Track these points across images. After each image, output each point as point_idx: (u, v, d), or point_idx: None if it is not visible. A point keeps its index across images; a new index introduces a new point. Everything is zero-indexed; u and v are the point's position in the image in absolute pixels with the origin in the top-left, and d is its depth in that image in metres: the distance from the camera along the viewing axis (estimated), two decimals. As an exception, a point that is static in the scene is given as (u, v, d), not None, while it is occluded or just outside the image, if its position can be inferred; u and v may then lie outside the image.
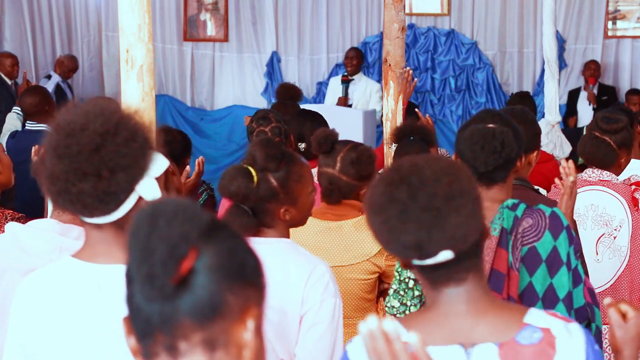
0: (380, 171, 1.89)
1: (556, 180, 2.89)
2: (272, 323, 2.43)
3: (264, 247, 2.46)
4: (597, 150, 3.77)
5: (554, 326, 1.69)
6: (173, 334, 1.27)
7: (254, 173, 2.47)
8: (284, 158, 2.54)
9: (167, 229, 1.24)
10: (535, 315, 1.71)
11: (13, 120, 6.13)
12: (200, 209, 1.28)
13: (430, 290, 1.73)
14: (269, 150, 2.53)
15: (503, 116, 2.63)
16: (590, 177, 3.78)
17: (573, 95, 9.78)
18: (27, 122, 5.68)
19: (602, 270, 3.75)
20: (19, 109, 6.21)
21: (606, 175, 3.77)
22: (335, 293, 2.49)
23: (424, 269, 1.70)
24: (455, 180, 1.66)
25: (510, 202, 2.45)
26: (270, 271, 2.41)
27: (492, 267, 2.37)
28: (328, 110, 7.64)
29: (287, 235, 2.57)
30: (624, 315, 1.86)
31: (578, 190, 3.76)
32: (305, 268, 2.46)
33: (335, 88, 9.04)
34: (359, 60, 9.20)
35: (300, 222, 2.61)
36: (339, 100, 8.75)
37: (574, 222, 2.89)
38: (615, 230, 3.76)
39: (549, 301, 2.38)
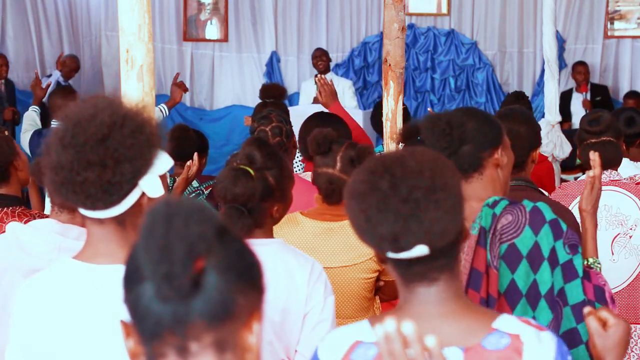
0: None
1: (588, 173, 2.83)
2: (274, 323, 2.43)
3: (263, 248, 2.45)
4: (604, 153, 3.77)
5: (523, 333, 1.66)
6: (185, 334, 1.26)
7: (252, 173, 2.47)
8: (277, 156, 2.55)
9: (185, 228, 1.23)
10: (506, 321, 1.68)
11: (33, 118, 6.14)
12: (211, 210, 1.28)
13: (403, 288, 1.71)
14: (267, 149, 2.53)
15: (471, 109, 2.62)
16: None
17: (565, 98, 9.68)
18: (53, 120, 5.72)
19: (618, 270, 3.74)
20: (36, 107, 6.24)
21: (615, 174, 3.77)
22: (332, 291, 2.52)
23: (398, 265, 1.68)
24: (438, 174, 1.63)
25: (491, 199, 2.43)
26: (275, 272, 2.42)
27: (471, 266, 2.36)
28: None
29: (272, 234, 2.59)
30: (604, 323, 1.82)
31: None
32: (306, 266, 2.48)
33: (307, 91, 9.03)
34: (327, 58, 9.20)
35: (281, 218, 2.63)
36: (313, 101, 8.74)
37: (595, 218, 2.77)
38: (631, 229, 3.75)
39: (532, 298, 2.36)
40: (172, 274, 1.22)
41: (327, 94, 4.97)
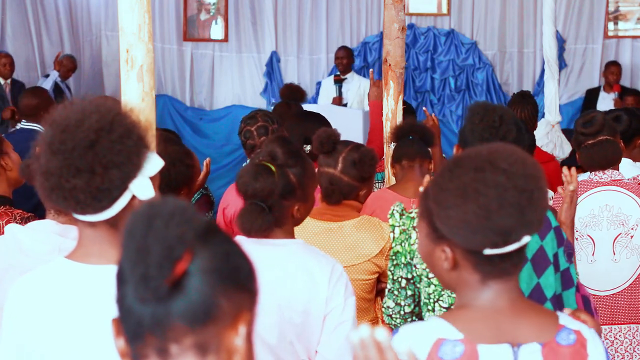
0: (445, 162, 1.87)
1: (559, 188, 2.87)
2: (295, 325, 2.42)
3: (283, 249, 2.46)
4: (605, 152, 3.76)
5: (582, 329, 1.75)
6: (165, 336, 1.25)
7: (274, 169, 2.47)
8: (300, 154, 2.56)
9: (164, 230, 1.22)
10: (567, 318, 1.77)
11: None
12: (196, 212, 1.27)
13: (478, 285, 1.71)
14: (289, 146, 2.54)
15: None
16: (601, 178, 3.77)
17: (591, 95, 9.63)
18: (22, 121, 5.68)
19: (620, 270, 3.75)
20: None
21: (617, 174, 3.77)
22: (353, 291, 2.50)
23: (489, 261, 1.68)
24: (535, 164, 1.70)
25: None
26: (295, 273, 2.42)
27: None
28: (327, 110, 7.60)
29: (293, 235, 2.57)
30: None
31: (592, 192, 3.77)
32: (326, 267, 2.46)
33: (328, 89, 9.00)
34: (349, 59, 9.13)
35: (302, 220, 2.62)
36: (333, 100, 8.71)
37: (573, 231, 2.87)
38: (632, 229, 3.76)
39: (535, 301, 2.38)
40: (148, 276, 1.22)
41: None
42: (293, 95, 5.66)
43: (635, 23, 10.52)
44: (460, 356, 1.69)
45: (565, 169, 2.82)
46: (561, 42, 10.00)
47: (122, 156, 1.76)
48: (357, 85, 8.90)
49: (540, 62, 10.05)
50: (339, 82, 8.88)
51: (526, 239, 1.68)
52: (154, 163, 1.84)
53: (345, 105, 8.70)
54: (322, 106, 8.22)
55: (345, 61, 9.03)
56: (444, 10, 10.59)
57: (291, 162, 2.50)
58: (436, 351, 1.70)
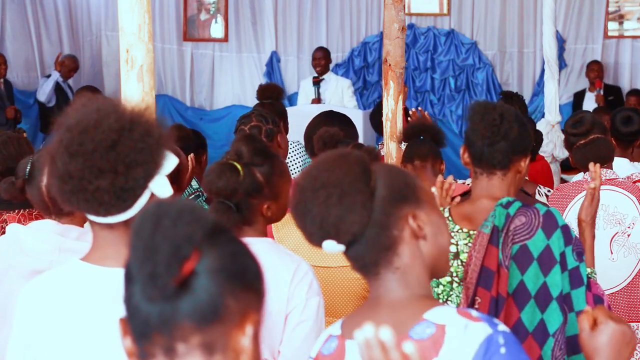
0: None
1: (590, 184, 2.83)
2: None
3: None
4: (598, 150, 3.77)
5: (451, 323, 1.66)
6: (172, 335, 1.26)
7: (240, 168, 2.47)
8: (268, 153, 2.55)
9: (172, 229, 1.23)
10: (438, 312, 1.69)
11: None
12: (204, 211, 1.27)
13: (365, 279, 1.79)
14: (255, 144, 2.53)
15: (520, 113, 2.69)
16: None
17: (578, 97, 9.70)
18: None
19: (618, 269, 3.74)
20: None
21: (611, 173, 3.77)
22: (319, 292, 2.49)
23: (348, 258, 1.75)
24: (323, 172, 1.70)
25: (505, 200, 2.45)
26: None
27: (482, 264, 2.37)
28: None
29: (266, 233, 2.58)
30: (595, 322, 1.76)
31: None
32: (290, 267, 2.46)
33: (307, 90, 8.98)
34: (326, 60, 9.13)
35: (278, 218, 2.62)
36: (312, 102, 8.71)
37: (593, 230, 2.76)
38: (629, 227, 3.75)
39: (541, 300, 2.37)
40: (156, 274, 1.22)
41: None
42: (266, 94, 5.62)
43: (635, 23, 10.52)
44: (334, 351, 1.74)
45: (591, 166, 2.79)
46: (561, 42, 10.00)
47: (145, 154, 1.76)
48: (334, 85, 8.90)
49: (540, 62, 10.05)
50: (317, 83, 8.87)
51: (330, 244, 1.68)
52: (170, 161, 1.84)
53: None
54: (321, 106, 8.22)
55: (323, 62, 9.03)
56: (444, 10, 10.60)
57: (257, 161, 2.50)
58: (322, 347, 1.78)
